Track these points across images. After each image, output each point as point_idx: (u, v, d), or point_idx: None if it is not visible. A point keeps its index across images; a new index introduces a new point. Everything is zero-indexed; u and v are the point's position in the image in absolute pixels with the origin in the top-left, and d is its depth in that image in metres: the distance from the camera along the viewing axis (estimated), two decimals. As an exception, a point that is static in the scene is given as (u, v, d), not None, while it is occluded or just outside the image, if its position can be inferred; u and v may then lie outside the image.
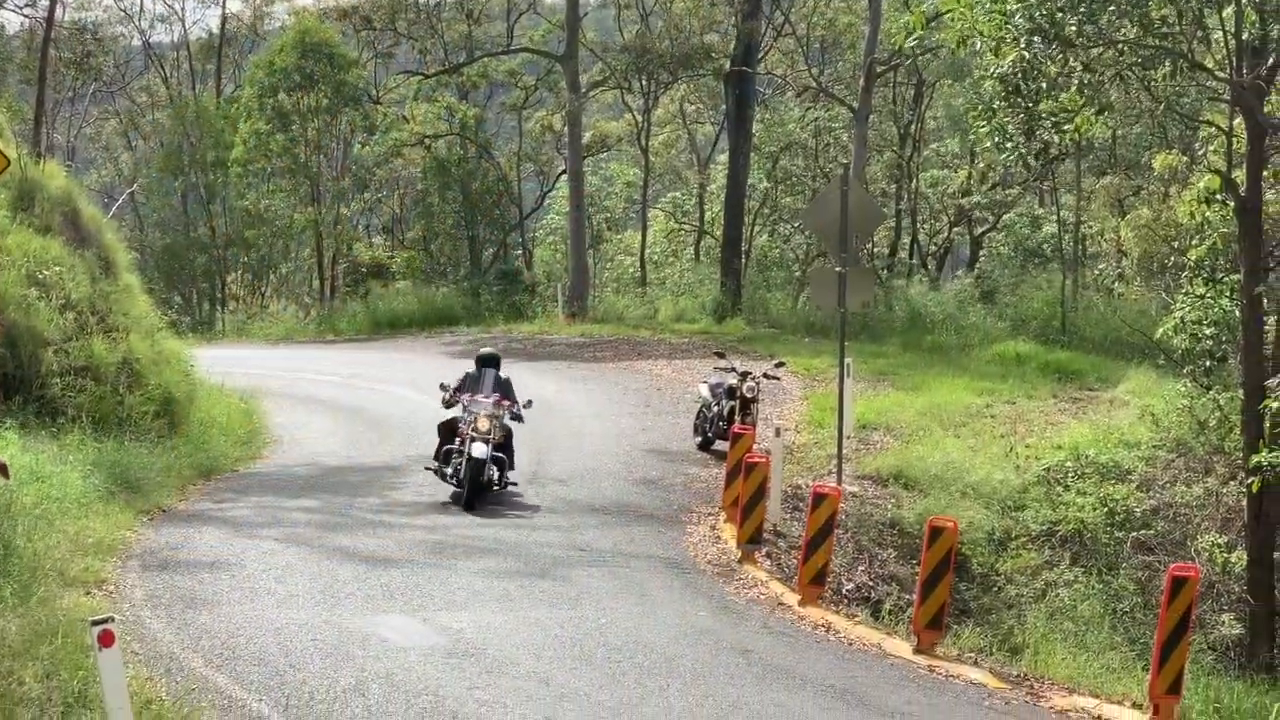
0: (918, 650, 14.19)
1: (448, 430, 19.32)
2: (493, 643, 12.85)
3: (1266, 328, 19.68)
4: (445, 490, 19.27)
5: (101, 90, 64.28)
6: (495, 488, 19.12)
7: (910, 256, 50.31)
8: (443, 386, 19.76)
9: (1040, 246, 48.08)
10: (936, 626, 14.41)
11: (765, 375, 23.34)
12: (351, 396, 28.52)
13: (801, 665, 13.07)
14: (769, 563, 17.37)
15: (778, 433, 20.58)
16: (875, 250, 47.94)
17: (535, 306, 43.80)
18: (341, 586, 14.59)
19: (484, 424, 18.73)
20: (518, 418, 19.51)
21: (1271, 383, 17.81)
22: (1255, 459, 17.85)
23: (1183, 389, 24.21)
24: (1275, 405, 17.67)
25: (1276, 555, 19.62)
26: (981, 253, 51.41)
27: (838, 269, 20.23)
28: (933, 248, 52.52)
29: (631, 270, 53.07)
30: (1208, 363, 23.48)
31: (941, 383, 28.67)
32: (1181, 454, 23.85)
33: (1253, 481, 18.19)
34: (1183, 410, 24.11)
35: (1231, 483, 21.72)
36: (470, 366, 20.44)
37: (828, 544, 15.88)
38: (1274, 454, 17.58)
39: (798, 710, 11.58)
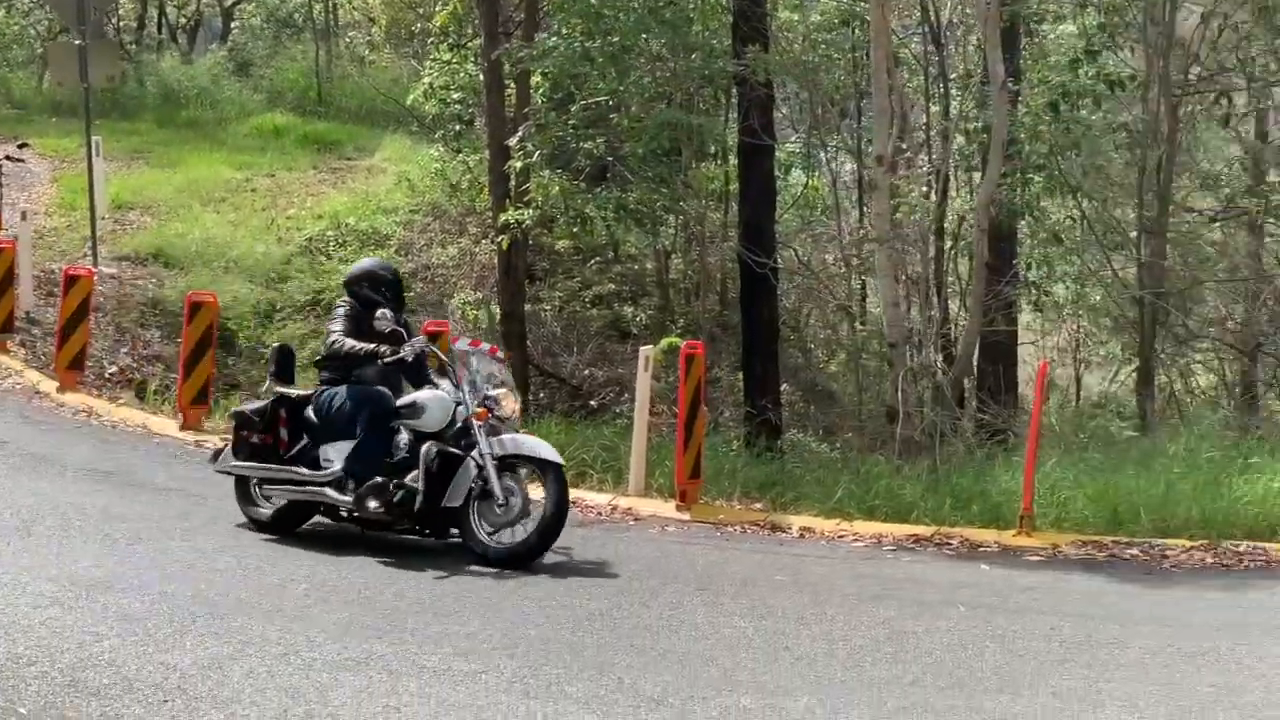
0: (184, 427, 14.18)
1: (369, 420, 10.18)
2: None
3: (507, 91, 20.46)
4: None
5: None
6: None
7: (160, 31, 48.56)
8: (344, 330, 10.40)
9: (291, 16, 47.59)
10: (202, 402, 14.45)
11: (7, 158, 22.19)
12: None
13: (63, 451, 12.72)
14: (24, 351, 16.76)
15: (24, 216, 19.69)
16: (122, 24, 45.95)
17: None
18: None
19: (512, 404, 10.38)
20: None
21: (512, 142, 18.64)
22: (503, 217, 18.72)
23: (435, 154, 24.97)
24: (518, 165, 18.55)
25: (526, 307, 20.79)
26: (234, 25, 50.36)
27: (77, 43, 19.61)
28: (183, 21, 50.92)
29: None
30: (456, 127, 24.32)
31: (199, 158, 28.11)
32: (437, 217, 24.69)
33: (502, 239, 19.09)
34: (436, 174, 24.89)
35: (484, 241, 22.71)
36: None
37: (84, 327, 15.50)
38: (519, 211, 18.49)
39: (61, 498, 11.24)
